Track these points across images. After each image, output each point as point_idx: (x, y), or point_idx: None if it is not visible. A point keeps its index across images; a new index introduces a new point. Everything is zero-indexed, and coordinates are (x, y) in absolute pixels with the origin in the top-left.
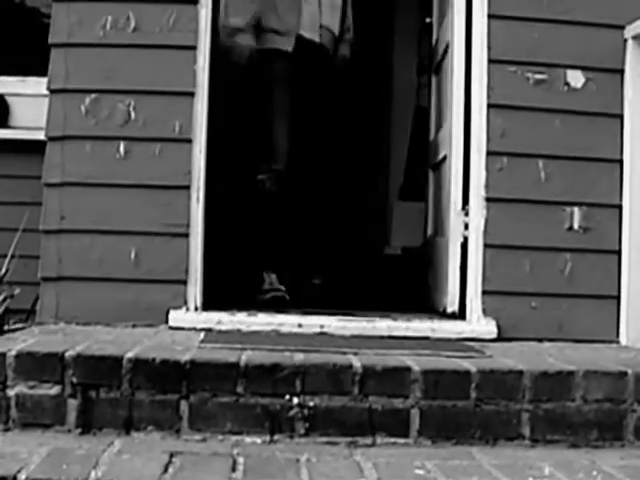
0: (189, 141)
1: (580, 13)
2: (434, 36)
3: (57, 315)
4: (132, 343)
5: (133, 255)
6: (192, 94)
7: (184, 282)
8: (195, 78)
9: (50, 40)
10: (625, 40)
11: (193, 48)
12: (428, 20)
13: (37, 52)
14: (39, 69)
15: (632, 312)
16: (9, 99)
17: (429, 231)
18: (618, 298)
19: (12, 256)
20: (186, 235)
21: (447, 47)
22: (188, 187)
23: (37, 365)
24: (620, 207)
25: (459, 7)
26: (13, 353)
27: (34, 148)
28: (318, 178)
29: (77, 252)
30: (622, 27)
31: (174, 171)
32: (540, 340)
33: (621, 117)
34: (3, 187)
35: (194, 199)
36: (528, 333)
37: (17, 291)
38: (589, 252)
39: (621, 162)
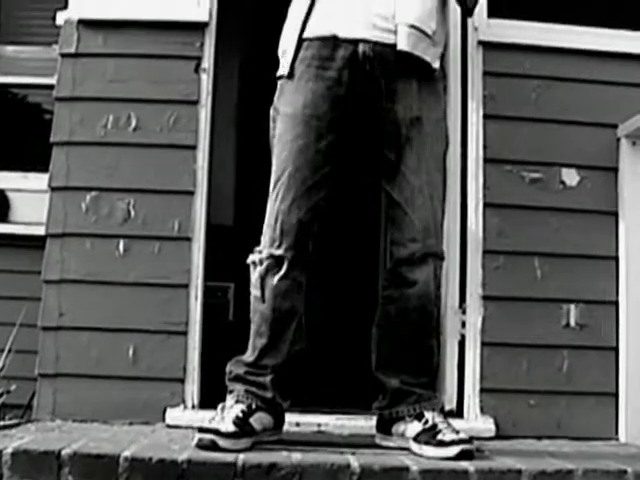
0: (188, 239)
1: (573, 113)
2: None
3: (54, 412)
4: (129, 441)
5: (131, 353)
6: (192, 193)
7: (182, 380)
8: (195, 177)
9: (52, 139)
10: (618, 139)
11: (193, 147)
12: None
13: (39, 147)
14: (40, 164)
15: (631, 409)
16: (10, 194)
17: None
18: (616, 395)
19: (9, 351)
20: (184, 333)
21: None
22: (187, 285)
23: (33, 463)
24: (617, 303)
25: (454, 107)
26: (9, 451)
27: (34, 243)
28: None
29: (75, 349)
30: (615, 126)
31: (173, 269)
32: (539, 438)
33: (616, 214)
34: (2, 281)
35: (192, 297)
36: (526, 431)
37: (13, 387)
38: (586, 349)
39: (617, 259)
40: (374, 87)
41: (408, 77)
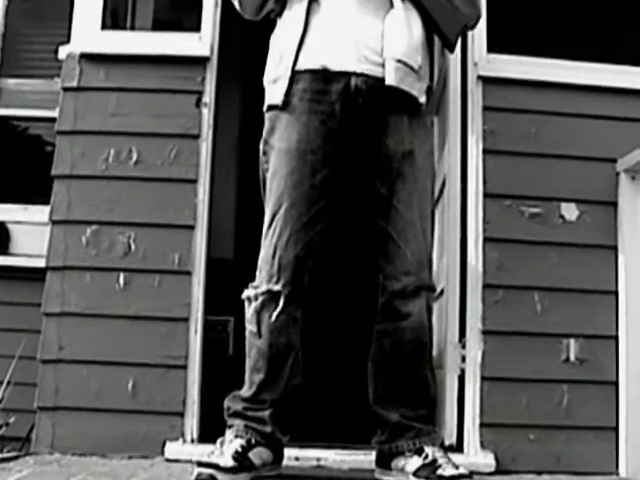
0: (188, 273)
1: (573, 147)
2: (436, 169)
3: (52, 445)
4: (128, 476)
5: (130, 386)
6: (192, 227)
7: (181, 414)
8: (195, 211)
9: (53, 172)
10: (617, 173)
11: (194, 181)
12: None
13: (40, 180)
14: (41, 196)
15: (631, 443)
16: (11, 227)
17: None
18: (617, 429)
19: (8, 383)
20: (184, 367)
21: (444, 181)
22: (187, 319)
23: None
24: (616, 338)
25: (454, 142)
26: None
27: (34, 275)
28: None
29: (75, 382)
30: (614, 160)
31: (173, 303)
32: (539, 473)
33: (615, 248)
34: (1, 313)
35: (192, 331)
36: (527, 466)
37: (12, 419)
38: (586, 383)
39: (616, 293)
40: (366, 120)
41: (399, 111)
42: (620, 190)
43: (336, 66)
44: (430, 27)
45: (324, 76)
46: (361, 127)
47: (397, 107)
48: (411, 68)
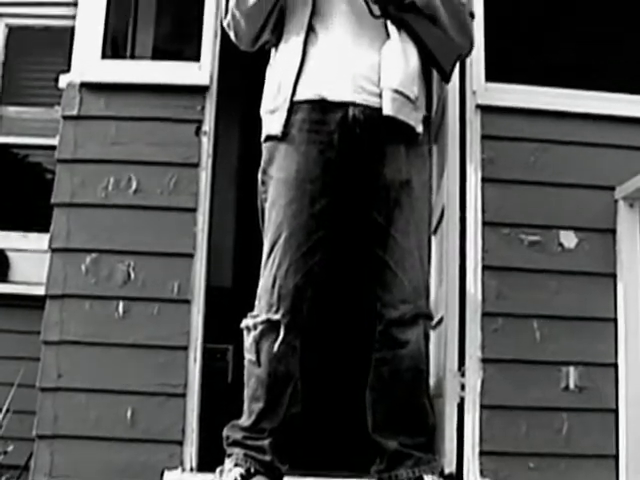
0: (187, 302)
1: (571, 175)
2: (432, 198)
3: (51, 473)
4: None
5: (129, 415)
6: (191, 255)
7: (180, 443)
8: (194, 240)
9: (53, 200)
10: (616, 201)
11: (193, 210)
12: None
13: (39, 207)
14: (40, 224)
15: (631, 471)
16: (10, 254)
17: (430, 391)
18: (617, 457)
19: (7, 411)
20: (183, 395)
21: (443, 210)
22: (186, 347)
23: None
24: (616, 366)
25: (453, 170)
26: None
27: (33, 303)
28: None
29: (73, 411)
30: (613, 188)
31: (172, 331)
32: None
33: (614, 276)
34: (0, 341)
35: (191, 359)
36: None
37: (11, 447)
38: (586, 411)
39: (615, 321)
40: (364, 150)
41: (396, 141)
42: (619, 218)
43: (334, 96)
44: (426, 57)
45: (322, 106)
46: (359, 157)
47: (394, 137)
48: (408, 98)
